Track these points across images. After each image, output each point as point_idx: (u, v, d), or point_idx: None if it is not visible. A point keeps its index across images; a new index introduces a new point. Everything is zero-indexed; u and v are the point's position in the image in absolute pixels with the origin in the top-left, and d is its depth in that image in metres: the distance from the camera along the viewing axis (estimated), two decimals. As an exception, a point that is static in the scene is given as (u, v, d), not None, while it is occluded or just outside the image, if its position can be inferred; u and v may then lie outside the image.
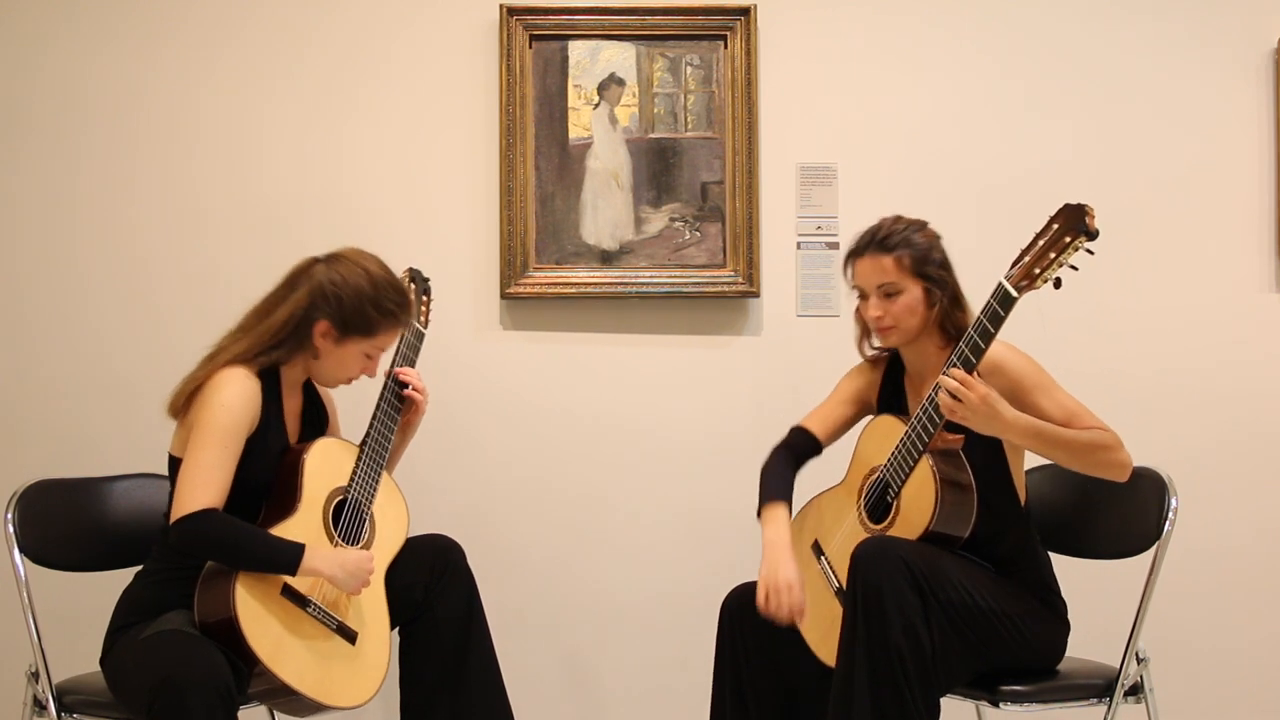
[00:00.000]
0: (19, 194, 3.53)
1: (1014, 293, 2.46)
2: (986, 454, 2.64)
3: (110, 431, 3.46)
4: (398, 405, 2.82)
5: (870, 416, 2.87)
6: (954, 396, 2.49)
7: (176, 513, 2.49)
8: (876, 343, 2.85)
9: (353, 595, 2.61)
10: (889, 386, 2.86)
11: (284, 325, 2.64)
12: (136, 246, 3.52)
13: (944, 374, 2.53)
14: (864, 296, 2.76)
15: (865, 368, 2.93)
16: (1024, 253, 2.47)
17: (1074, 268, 2.45)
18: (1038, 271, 2.44)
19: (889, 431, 2.71)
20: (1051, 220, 2.45)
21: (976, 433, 2.56)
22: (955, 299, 2.72)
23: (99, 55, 3.52)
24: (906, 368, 2.82)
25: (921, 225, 2.75)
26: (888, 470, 2.68)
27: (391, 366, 2.82)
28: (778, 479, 2.82)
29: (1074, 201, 2.43)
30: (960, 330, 2.63)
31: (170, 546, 2.57)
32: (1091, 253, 2.44)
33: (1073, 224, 2.40)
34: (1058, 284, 2.46)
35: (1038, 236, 2.46)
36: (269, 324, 2.64)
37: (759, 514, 2.79)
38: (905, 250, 2.69)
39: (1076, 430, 2.58)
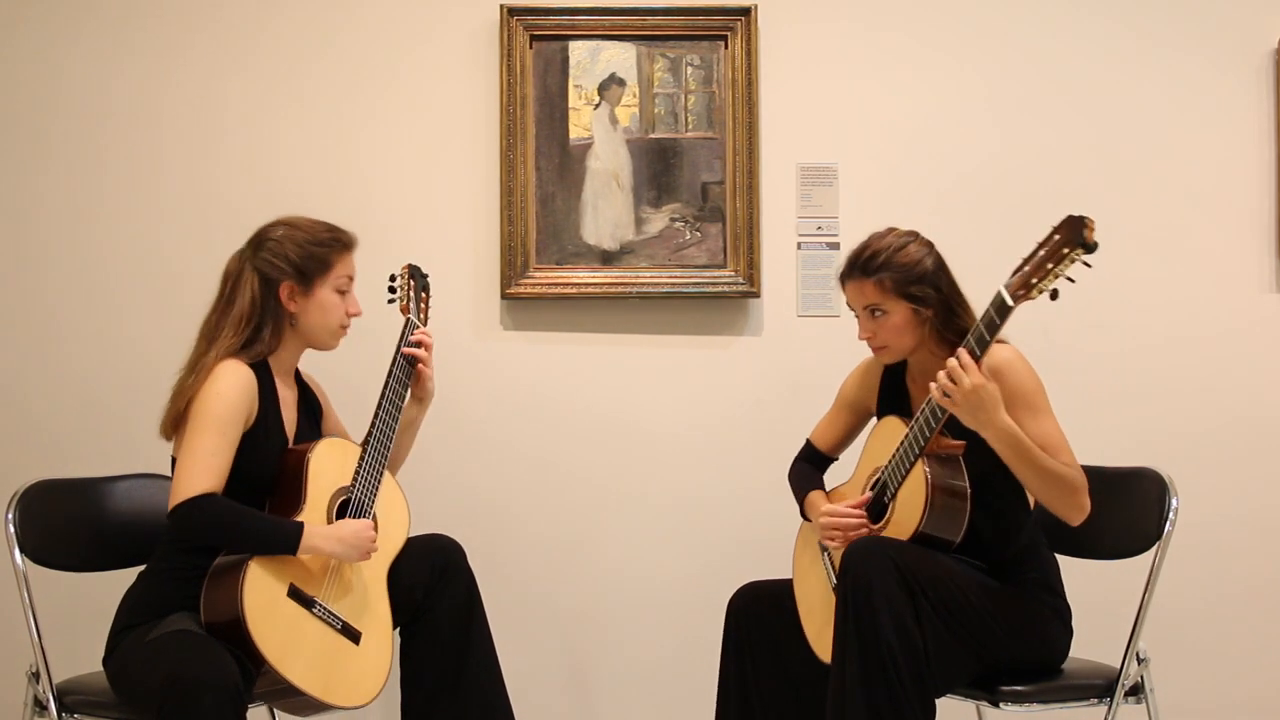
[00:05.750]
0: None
1: (1010, 301, 2.44)
2: (997, 455, 2.64)
3: (110, 431, 3.46)
4: (399, 404, 2.82)
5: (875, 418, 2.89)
6: (951, 379, 2.49)
7: (174, 499, 2.49)
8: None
9: (361, 561, 2.62)
10: (889, 387, 2.87)
11: (251, 308, 2.65)
12: (138, 246, 3.52)
13: (956, 354, 2.51)
14: (857, 315, 2.76)
15: (864, 369, 2.93)
16: (1024, 262, 2.45)
17: (1071, 280, 2.42)
18: (1035, 281, 2.42)
19: (893, 432, 2.72)
20: (1054, 231, 2.42)
21: (981, 436, 2.56)
22: (951, 309, 2.69)
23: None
24: (910, 365, 2.82)
25: (908, 241, 2.71)
26: (887, 471, 2.69)
27: (394, 360, 2.82)
28: (805, 478, 2.96)
29: (1076, 212, 2.40)
30: (962, 335, 2.61)
31: (173, 543, 2.57)
32: (1089, 265, 2.40)
33: (1071, 236, 2.37)
34: (1054, 295, 2.43)
35: (1039, 246, 2.43)
36: (236, 315, 2.64)
37: (801, 511, 2.92)
38: (886, 273, 2.67)
39: (1052, 460, 2.56)
